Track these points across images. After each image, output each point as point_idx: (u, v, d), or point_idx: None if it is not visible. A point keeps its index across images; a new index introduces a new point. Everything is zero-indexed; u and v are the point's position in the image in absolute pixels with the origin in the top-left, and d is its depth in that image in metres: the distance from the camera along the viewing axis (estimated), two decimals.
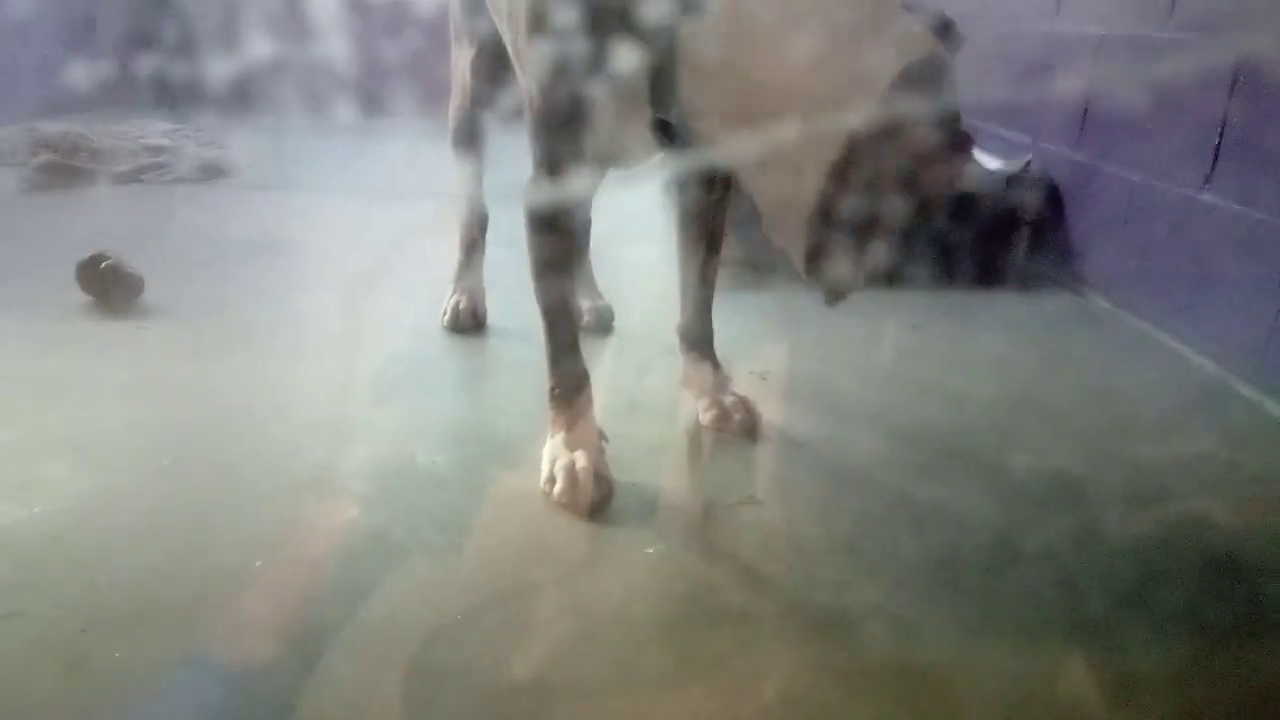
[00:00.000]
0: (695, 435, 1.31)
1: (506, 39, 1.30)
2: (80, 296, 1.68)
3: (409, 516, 1.08)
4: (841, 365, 1.58)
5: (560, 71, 1.03)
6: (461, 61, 1.60)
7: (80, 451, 1.19)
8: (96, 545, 0.99)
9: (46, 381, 1.39)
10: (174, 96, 3.95)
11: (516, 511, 1.10)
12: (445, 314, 1.66)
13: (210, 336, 1.60)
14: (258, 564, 0.97)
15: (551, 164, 1.10)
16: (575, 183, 1.11)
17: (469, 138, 1.65)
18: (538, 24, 1.04)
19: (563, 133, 1.07)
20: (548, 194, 1.12)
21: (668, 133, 1.05)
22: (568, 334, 1.18)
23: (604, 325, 1.67)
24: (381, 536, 1.03)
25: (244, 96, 3.85)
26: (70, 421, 1.27)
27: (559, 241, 1.15)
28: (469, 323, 1.66)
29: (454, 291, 1.68)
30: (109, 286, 1.68)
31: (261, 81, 3.85)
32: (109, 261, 1.69)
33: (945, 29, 0.93)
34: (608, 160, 1.12)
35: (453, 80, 1.64)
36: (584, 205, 1.18)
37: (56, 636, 0.86)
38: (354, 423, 1.30)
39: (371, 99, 3.71)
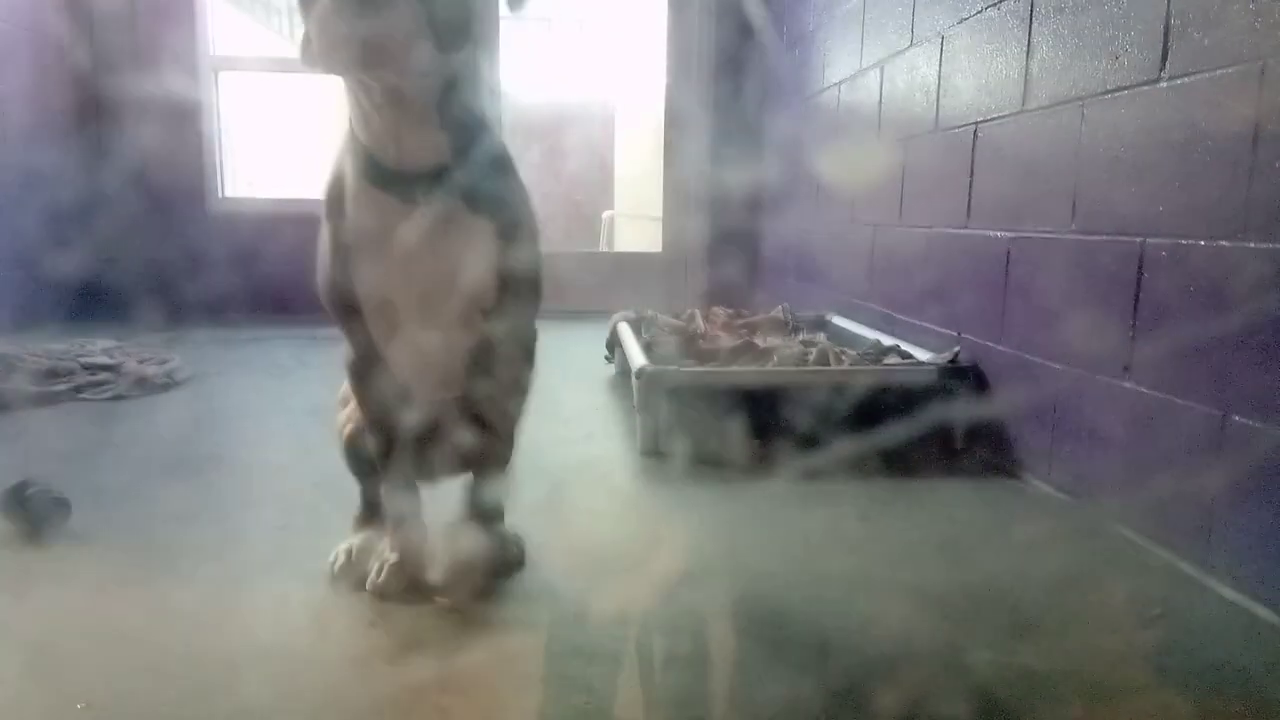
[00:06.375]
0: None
1: None
2: (4, 526, 1.61)
3: None
4: (790, 560, 1.56)
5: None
6: None
7: None
8: None
9: None
10: (115, 312, 3.97)
11: None
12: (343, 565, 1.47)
13: (137, 563, 1.52)
14: None
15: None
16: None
17: None
18: None
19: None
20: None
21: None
22: None
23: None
24: None
25: (188, 309, 3.89)
26: None
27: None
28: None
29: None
30: (34, 515, 1.61)
31: (205, 293, 3.91)
32: (34, 489, 1.63)
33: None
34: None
35: None
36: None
37: None
38: (291, 655, 1.23)
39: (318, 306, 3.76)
